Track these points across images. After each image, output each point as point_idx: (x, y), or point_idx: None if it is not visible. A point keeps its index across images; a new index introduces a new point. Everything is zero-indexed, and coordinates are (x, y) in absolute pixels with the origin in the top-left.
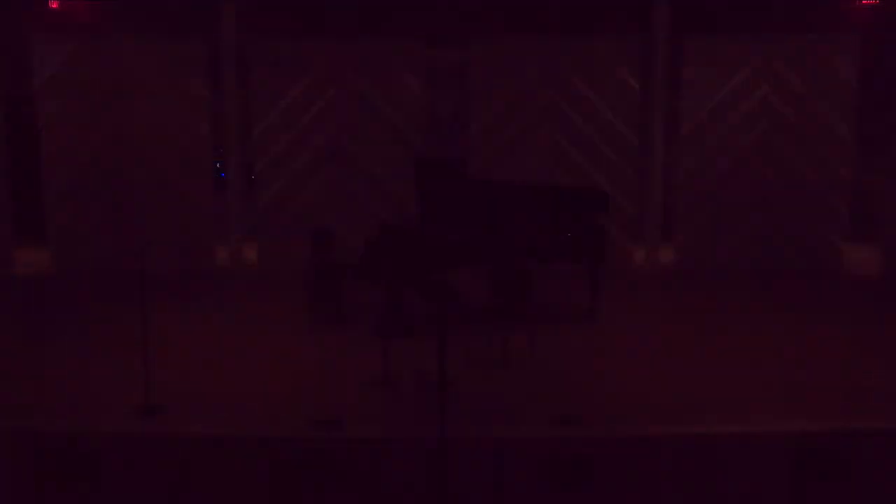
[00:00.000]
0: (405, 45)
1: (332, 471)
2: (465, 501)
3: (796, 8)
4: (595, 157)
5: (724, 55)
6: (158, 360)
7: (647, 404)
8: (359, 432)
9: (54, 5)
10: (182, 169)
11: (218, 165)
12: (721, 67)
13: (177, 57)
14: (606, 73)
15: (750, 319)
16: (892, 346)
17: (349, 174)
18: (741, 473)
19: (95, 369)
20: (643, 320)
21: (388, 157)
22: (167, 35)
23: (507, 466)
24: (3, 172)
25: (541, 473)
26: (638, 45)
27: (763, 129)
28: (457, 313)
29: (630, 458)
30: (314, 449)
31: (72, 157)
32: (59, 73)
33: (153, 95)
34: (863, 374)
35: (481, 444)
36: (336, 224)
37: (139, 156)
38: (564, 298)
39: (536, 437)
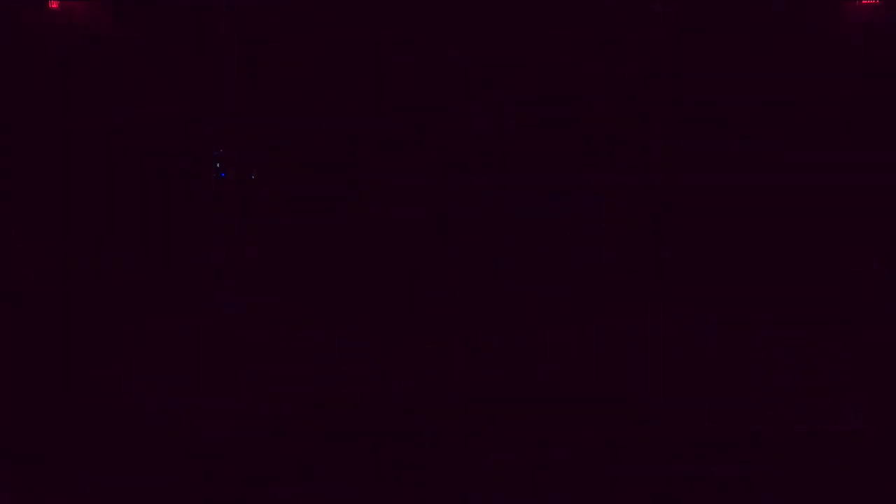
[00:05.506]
0: (405, 46)
1: (330, 467)
2: (463, 499)
3: (796, 7)
4: None
5: (724, 54)
6: (158, 359)
7: (648, 403)
8: (357, 428)
9: (54, 5)
10: (182, 169)
11: (218, 165)
12: (721, 66)
13: (178, 57)
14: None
15: (749, 318)
16: (892, 345)
17: (350, 174)
18: (743, 473)
19: (95, 369)
20: (643, 318)
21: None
22: (168, 35)
23: (506, 465)
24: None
25: (541, 472)
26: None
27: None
28: (456, 311)
29: (630, 458)
30: (312, 445)
31: (71, 158)
32: (58, 73)
33: (153, 96)
34: (862, 373)
35: (480, 442)
36: (337, 223)
37: (140, 156)
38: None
39: (537, 436)
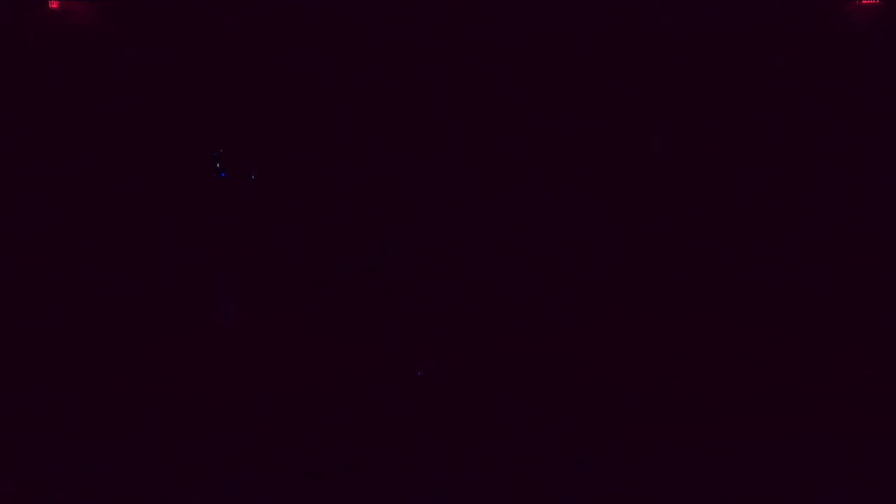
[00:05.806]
0: (404, 47)
1: (330, 467)
2: (463, 498)
3: (797, 7)
4: None
5: (725, 55)
6: (157, 358)
7: (647, 403)
8: (356, 428)
9: (54, 5)
10: (182, 168)
11: (218, 165)
12: (722, 67)
13: (178, 57)
14: None
15: (750, 319)
16: (892, 345)
17: (350, 174)
18: (743, 473)
19: (94, 369)
20: (643, 318)
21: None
22: (168, 35)
23: (506, 465)
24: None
25: (540, 472)
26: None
27: None
28: (456, 312)
29: (630, 457)
30: (312, 444)
31: (71, 158)
32: (58, 73)
33: (153, 95)
34: (863, 373)
35: (480, 442)
36: (337, 224)
37: (140, 155)
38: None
39: (537, 436)
